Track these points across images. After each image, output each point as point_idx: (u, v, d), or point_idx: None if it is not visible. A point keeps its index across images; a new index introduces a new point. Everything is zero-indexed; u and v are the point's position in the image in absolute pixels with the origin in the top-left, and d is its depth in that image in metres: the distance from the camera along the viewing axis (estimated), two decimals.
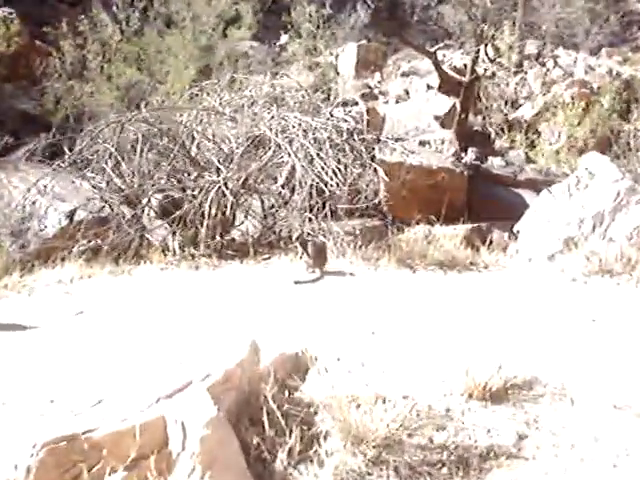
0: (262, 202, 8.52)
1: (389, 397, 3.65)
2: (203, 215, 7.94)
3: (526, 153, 11.29)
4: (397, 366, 4.16)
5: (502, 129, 11.56)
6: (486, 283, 6.43)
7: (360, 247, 7.26)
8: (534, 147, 11.54)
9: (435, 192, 8.44)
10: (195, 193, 7.95)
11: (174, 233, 8.16)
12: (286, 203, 7.84)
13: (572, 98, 11.78)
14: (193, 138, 8.36)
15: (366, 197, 7.48)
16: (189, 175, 8.22)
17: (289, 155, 7.40)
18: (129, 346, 4.49)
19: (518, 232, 8.52)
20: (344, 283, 6.19)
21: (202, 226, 7.98)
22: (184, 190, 8.14)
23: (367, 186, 7.39)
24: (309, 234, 7.48)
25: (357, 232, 7.58)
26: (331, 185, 7.22)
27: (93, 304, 5.62)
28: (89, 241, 7.28)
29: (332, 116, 8.01)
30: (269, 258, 7.66)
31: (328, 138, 7.50)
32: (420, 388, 3.88)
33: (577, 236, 7.59)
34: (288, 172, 7.54)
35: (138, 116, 7.98)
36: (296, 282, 6.15)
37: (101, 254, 7.35)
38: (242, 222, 8.40)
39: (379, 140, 8.18)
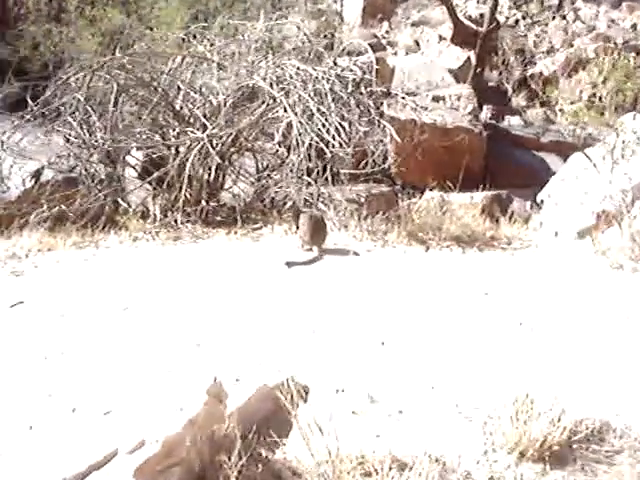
0: (255, 162, 7.22)
1: (410, 458, 2.45)
2: (191, 177, 6.68)
3: (545, 112, 9.88)
4: (418, 400, 2.93)
5: (519, 85, 10.14)
6: (513, 268, 5.16)
7: (365, 218, 5.98)
8: (553, 106, 10.13)
9: (451, 155, 7.12)
10: (179, 151, 6.66)
11: (155, 196, 6.88)
12: (282, 164, 6.53)
13: (596, 53, 10.32)
14: (178, 89, 6.99)
15: (374, 160, 6.14)
16: (173, 131, 6.90)
17: (285, 109, 6.05)
18: (46, 372, 3.24)
19: (542, 202, 7.22)
20: (345, 266, 4.93)
21: (185, 188, 6.74)
22: (168, 148, 6.83)
23: (375, 147, 6.04)
24: (306, 202, 6.21)
25: (362, 200, 6.27)
26: (333, 145, 5.89)
27: (39, 291, 4.37)
28: (53, 207, 5.98)
29: (336, 65, 6.63)
30: (260, 228, 6.40)
31: (331, 90, 6.14)
32: (451, 440, 2.66)
33: (615, 211, 6.28)
34: (284, 129, 6.20)
35: (113, 62, 6.59)
36: (288, 264, 4.88)
37: (69, 221, 6.08)
38: (232, 185, 7.09)
39: (389, 94, 6.82)
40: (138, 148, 6.79)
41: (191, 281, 4.54)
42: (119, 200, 6.46)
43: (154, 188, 6.86)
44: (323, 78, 6.21)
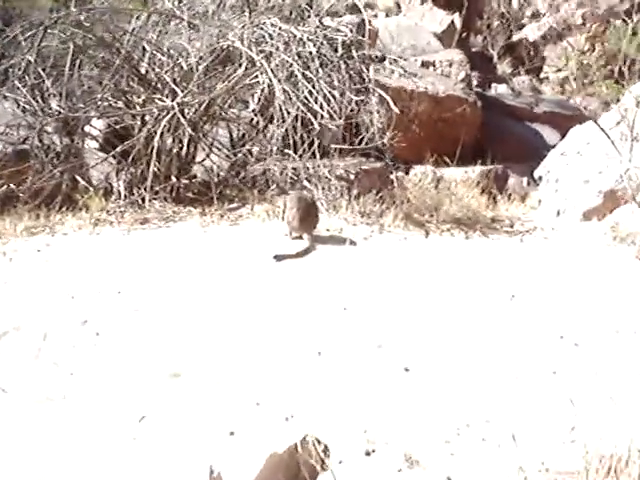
0: (229, 133, 6.33)
1: None
2: (159, 149, 5.78)
3: (530, 80, 9.14)
4: (472, 461, 2.19)
5: (505, 52, 9.37)
6: (529, 260, 4.42)
7: (357, 197, 5.19)
8: (538, 74, 9.40)
9: (443, 126, 6.34)
10: (146, 120, 5.75)
11: (119, 171, 5.96)
12: (262, 136, 5.68)
13: (583, 19, 9.57)
14: (144, 50, 6.03)
15: (370, 133, 5.32)
16: (138, 98, 5.96)
17: (266, 73, 5.17)
18: None
19: (540, 178, 6.50)
20: (343, 260, 4.13)
21: (153, 162, 5.85)
22: (133, 117, 5.89)
23: (370, 119, 5.22)
24: (291, 180, 5.38)
25: (351, 177, 5.46)
26: (322, 116, 5.06)
27: None
28: (1, 185, 5.06)
29: (322, 25, 5.74)
30: (237, 208, 5.55)
31: (318, 53, 5.27)
32: None
33: (623, 189, 5.59)
34: (264, 97, 5.33)
35: (68, 19, 5.59)
36: (277, 257, 4.07)
37: (20, 202, 5.16)
38: (204, 158, 6.18)
39: (384, 58, 5.97)
40: (99, 117, 5.83)
41: (162, 284, 3.67)
42: (78, 177, 5.52)
43: (118, 162, 5.95)
44: (309, 40, 5.32)
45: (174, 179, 5.71)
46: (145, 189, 5.74)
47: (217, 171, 6.20)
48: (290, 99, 5.13)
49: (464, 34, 8.69)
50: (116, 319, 3.12)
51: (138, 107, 5.72)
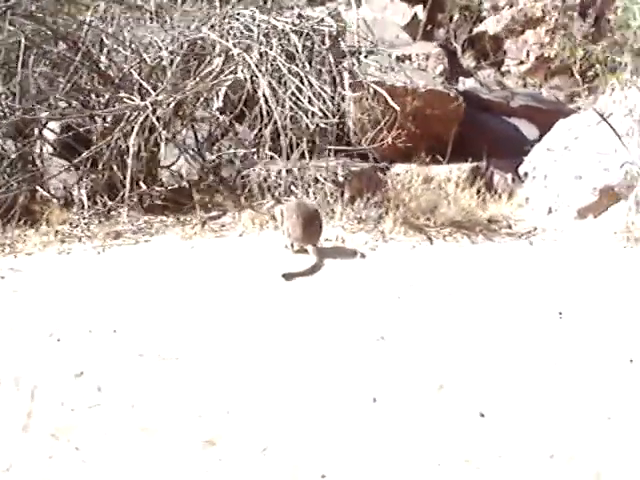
0: (195, 134, 5.67)
1: None
2: (123, 153, 5.12)
3: (495, 74, 8.80)
4: None
5: (468, 45, 8.97)
6: (545, 263, 4.01)
7: (351, 201, 4.68)
8: (499, 67, 9.06)
9: (427, 123, 5.84)
10: (108, 122, 5.07)
11: (80, 179, 5.26)
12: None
13: (543, 12, 9.27)
14: (102, 44, 5.31)
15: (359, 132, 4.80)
16: (98, 97, 5.25)
17: (248, 68, 4.58)
18: None
19: (525, 175, 6.13)
20: (356, 275, 3.60)
21: (120, 168, 5.20)
22: (92, 118, 5.19)
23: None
24: (277, 184, 4.81)
25: (340, 179, 4.93)
26: (313, 114, 4.52)
27: None
28: None
29: (302, 16, 5.16)
30: (218, 217, 4.95)
31: (304, 46, 4.71)
32: None
33: (620, 185, 5.27)
34: (246, 93, 4.75)
35: (16, 9, 4.85)
36: (285, 277, 3.50)
37: None
38: (173, 162, 5.52)
39: (371, 52, 5.43)
40: (57, 119, 5.11)
41: (162, 317, 3.04)
42: (38, 187, 4.81)
43: (77, 168, 5.25)
44: (292, 31, 4.75)
45: (143, 186, 5.07)
46: (110, 197, 5.11)
47: (186, 177, 5.59)
48: (275, 96, 4.55)
49: (429, 27, 8.25)
50: (119, 369, 2.50)
51: (103, 107, 5.04)
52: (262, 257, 3.84)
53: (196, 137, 5.70)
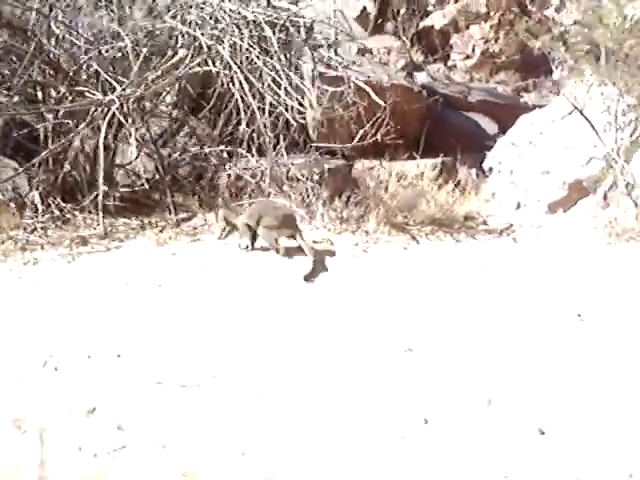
0: (149, 131, 5.26)
1: None
2: (77, 152, 4.72)
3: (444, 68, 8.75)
4: None
5: (417, 39, 8.87)
6: (538, 262, 3.89)
7: (332, 201, 4.45)
8: (446, 61, 9.02)
9: (391, 118, 5.64)
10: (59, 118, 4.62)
11: (31, 179, 4.80)
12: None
13: (487, 7, 9.29)
14: (50, 32, 4.82)
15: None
16: (44, 90, 4.77)
17: (220, 60, 4.26)
18: None
19: (490, 170, 6.07)
20: (359, 279, 3.37)
21: (75, 168, 4.81)
22: (40, 116, 4.72)
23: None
24: (257, 183, 4.51)
25: (315, 177, 4.68)
26: (291, 108, 4.24)
27: None
28: None
29: (272, 6, 4.85)
30: (189, 219, 4.61)
31: (279, 39, 4.42)
32: None
33: (589, 180, 5.27)
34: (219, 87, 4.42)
35: None
36: (306, 278, 3.24)
37: None
38: (131, 161, 5.10)
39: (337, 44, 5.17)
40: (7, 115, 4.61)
41: (163, 337, 2.71)
42: None
43: (25, 169, 4.77)
44: (266, 21, 4.45)
45: (103, 187, 4.65)
46: (63, 200, 4.68)
47: (145, 175, 5.19)
48: (250, 91, 4.24)
49: (379, 20, 8.09)
50: (136, 401, 2.17)
51: (49, 102, 4.58)
52: (252, 261, 3.55)
53: (151, 134, 5.32)
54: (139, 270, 3.45)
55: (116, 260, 3.66)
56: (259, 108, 4.24)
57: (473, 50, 9.21)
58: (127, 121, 4.29)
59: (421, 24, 9.29)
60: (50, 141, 4.75)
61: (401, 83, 6.04)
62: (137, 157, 5.10)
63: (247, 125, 4.44)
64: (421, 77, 7.91)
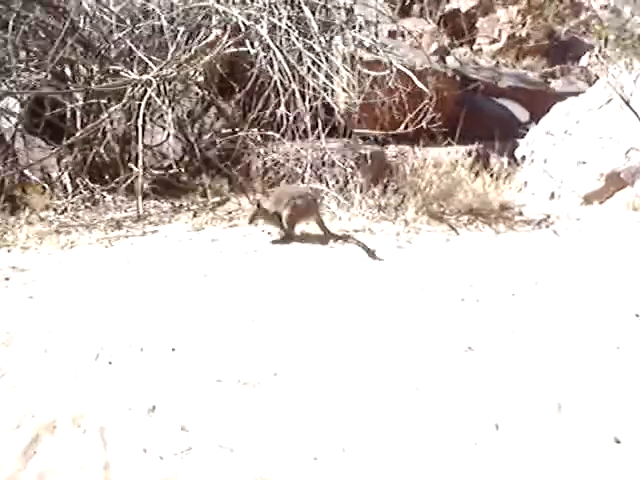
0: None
1: None
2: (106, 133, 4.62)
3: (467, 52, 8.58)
4: None
5: (440, 23, 8.68)
6: (592, 258, 3.74)
7: (369, 187, 4.34)
8: (471, 45, 8.86)
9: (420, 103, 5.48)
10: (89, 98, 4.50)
11: (60, 159, 4.71)
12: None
13: None
14: (80, 7, 4.69)
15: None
16: (73, 69, 4.65)
17: (259, 40, 4.12)
18: None
19: (523, 158, 5.93)
20: (411, 272, 3.25)
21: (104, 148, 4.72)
22: (67, 96, 4.60)
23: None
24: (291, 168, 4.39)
25: (351, 163, 4.54)
26: (333, 92, 4.11)
27: None
28: None
29: None
30: (223, 203, 4.50)
31: (318, 21, 4.27)
32: None
33: (626, 170, 5.13)
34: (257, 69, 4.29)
35: None
36: (370, 254, 3.19)
37: None
38: (162, 142, 4.99)
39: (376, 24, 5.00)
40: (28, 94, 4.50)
41: (215, 329, 2.60)
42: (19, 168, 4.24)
43: (52, 148, 4.68)
44: (305, 3, 4.30)
45: (136, 168, 4.53)
46: (91, 180, 4.60)
47: (172, 157, 5.06)
48: (293, 75, 4.10)
49: (406, 2, 7.91)
50: (197, 399, 2.06)
51: (93, 83, 4.45)
52: (294, 249, 3.44)
53: (181, 116, 5.20)
54: (180, 257, 3.34)
55: (154, 245, 3.55)
56: (299, 91, 4.10)
57: (499, 34, 9.03)
58: (163, 102, 4.19)
59: (447, 7, 9.11)
60: (80, 120, 4.67)
61: (434, 68, 5.88)
62: (167, 138, 5.03)
63: (287, 108, 4.31)
64: (449, 61, 7.74)
